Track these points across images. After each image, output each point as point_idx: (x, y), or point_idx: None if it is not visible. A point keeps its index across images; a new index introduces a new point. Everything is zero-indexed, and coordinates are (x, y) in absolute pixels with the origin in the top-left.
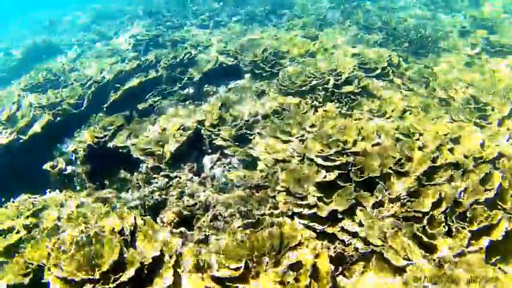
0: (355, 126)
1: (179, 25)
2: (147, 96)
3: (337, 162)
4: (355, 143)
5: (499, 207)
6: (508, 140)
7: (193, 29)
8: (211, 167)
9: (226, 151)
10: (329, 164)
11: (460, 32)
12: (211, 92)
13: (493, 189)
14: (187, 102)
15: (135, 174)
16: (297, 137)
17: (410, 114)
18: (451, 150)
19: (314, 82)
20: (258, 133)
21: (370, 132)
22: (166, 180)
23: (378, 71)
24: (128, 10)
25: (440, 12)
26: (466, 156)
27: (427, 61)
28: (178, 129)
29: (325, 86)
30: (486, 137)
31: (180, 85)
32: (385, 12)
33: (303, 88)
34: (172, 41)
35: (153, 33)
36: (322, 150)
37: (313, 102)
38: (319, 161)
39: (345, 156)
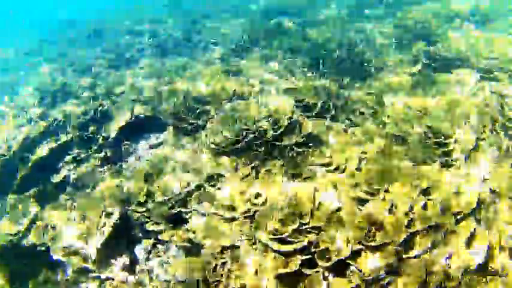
0: (308, 190)
1: (87, 67)
2: (60, 164)
3: (298, 245)
4: (312, 213)
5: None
6: (483, 183)
7: (102, 70)
8: (147, 258)
9: (161, 236)
10: (288, 248)
11: (394, 45)
12: (131, 151)
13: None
14: (105, 168)
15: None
16: (242, 212)
17: (367, 163)
18: (424, 206)
19: (250, 136)
20: (194, 210)
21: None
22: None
23: (317, 108)
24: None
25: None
26: (443, 211)
27: (367, 85)
28: (101, 215)
29: (264, 139)
30: (458, 182)
31: (95, 147)
32: (309, 30)
33: (238, 145)
34: (81, 88)
35: (60, 82)
36: (276, 230)
37: (252, 163)
38: (275, 245)
39: (303, 235)
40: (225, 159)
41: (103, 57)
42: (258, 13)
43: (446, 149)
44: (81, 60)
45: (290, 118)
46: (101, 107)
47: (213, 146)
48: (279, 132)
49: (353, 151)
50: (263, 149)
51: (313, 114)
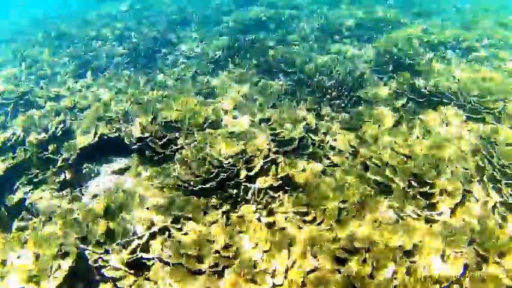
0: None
1: (53, 74)
2: (16, 185)
3: None
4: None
5: None
6: (469, 245)
7: (69, 80)
8: None
9: (120, 283)
10: None
11: (377, 72)
12: (92, 175)
13: None
14: (64, 192)
15: None
16: (209, 266)
17: (347, 214)
18: (408, 271)
19: (222, 175)
20: (158, 258)
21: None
22: None
23: (294, 144)
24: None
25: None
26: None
27: (348, 118)
28: (56, 255)
29: (237, 179)
30: (444, 242)
31: (53, 169)
32: (286, 49)
33: (209, 184)
34: (44, 98)
35: (22, 90)
36: None
37: (223, 206)
38: None
39: None
40: (193, 200)
41: (70, 63)
42: (232, 27)
43: (431, 201)
44: (47, 66)
45: (266, 157)
46: (62, 125)
47: (179, 181)
48: (253, 173)
49: (333, 198)
50: (235, 191)
51: (290, 149)
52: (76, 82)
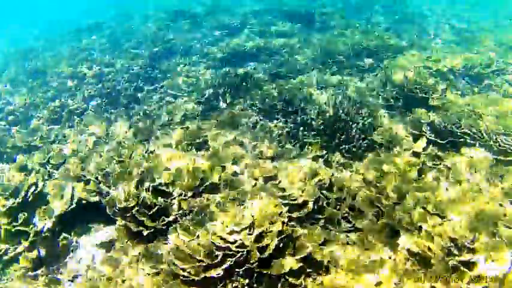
0: None
1: (24, 118)
2: None
3: None
4: None
5: None
6: None
7: (41, 124)
8: None
9: None
10: None
11: (386, 107)
12: (71, 248)
13: None
14: (38, 272)
15: None
16: None
17: None
18: None
19: (230, 261)
20: None
21: None
22: None
23: (308, 207)
24: None
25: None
26: None
27: (364, 166)
28: None
29: (248, 265)
30: None
31: (26, 243)
32: (283, 85)
33: (214, 272)
34: (14, 149)
35: None
36: None
37: None
38: None
39: None
40: None
41: (44, 106)
42: (220, 58)
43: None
44: (18, 110)
45: (280, 233)
46: (34, 188)
47: (173, 268)
48: (267, 254)
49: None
50: (247, 281)
51: (304, 214)
52: (51, 130)
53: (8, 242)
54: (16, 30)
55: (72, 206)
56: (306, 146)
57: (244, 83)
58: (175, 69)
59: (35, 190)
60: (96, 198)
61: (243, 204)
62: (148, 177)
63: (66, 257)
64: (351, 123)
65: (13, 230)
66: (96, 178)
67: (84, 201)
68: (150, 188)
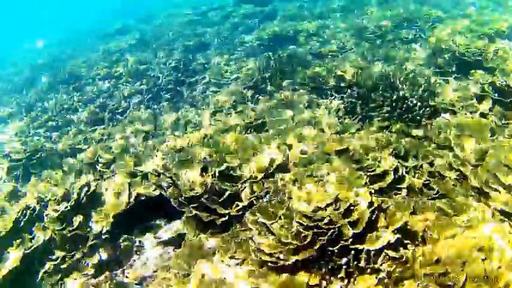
0: None
1: (65, 123)
2: (39, 276)
3: None
4: None
5: None
6: None
7: (84, 129)
8: None
9: None
10: None
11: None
12: (134, 249)
13: None
14: (102, 278)
15: None
16: None
17: None
18: None
19: (322, 240)
20: None
21: None
22: None
23: (389, 178)
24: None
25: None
26: None
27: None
28: None
29: (342, 242)
30: None
31: (84, 250)
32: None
33: (306, 253)
34: (57, 154)
35: (33, 145)
36: None
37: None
38: None
39: None
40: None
41: (83, 109)
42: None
43: None
44: (56, 115)
45: (370, 204)
46: (86, 188)
47: (261, 256)
48: (360, 229)
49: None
50: (344, 260)
51: (385, 185)
52: (94, 130)
53: (65, 249)
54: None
55: (130, 204)
56: (367, 120)
57: (289, 65)
58: (214, 59)
59: (87, 191)
60: (157, 192)
61: (321, 180)
62: (212, 164)
63: (130, 259)
64: (410, 91)
65: (69, 235)
66: (155, 171)
67: (142, 198)
68: (217, 174)
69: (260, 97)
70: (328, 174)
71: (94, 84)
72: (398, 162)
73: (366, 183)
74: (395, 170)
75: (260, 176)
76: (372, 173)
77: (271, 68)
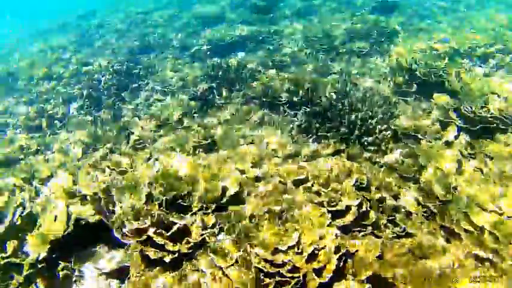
0: None
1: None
2: None
3: None
4: None
5: None
6: None
7: (20, 136)
8: None
9: None
10: None
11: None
12: (74, 279)
13: None
14: None
15: None
16: None
17: None
18: None
19: None
20: None
21: None
22: None
23: (352, 213)
24: None
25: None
26: None
27: (393, 163)
28: None
29: None
30: None
31: (20, 278)
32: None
33: None
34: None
35: None
36: None
37: None
38: None
39: None
40: None
41: (20, 114)
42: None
43: None
44: None
45: (337, 249)
46: (21, 208)
47: None
48: (327, 278)
49: None
50: None
51: (349, 223)
52: (31, 138)
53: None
54: None
55: (69, 228)
56: (322, 140)
57: (239, 74)
58: (159, 63)
59: (22, 212)
60: (97, 218)
61: (281, 218)
62: (158, 190)
63: None
64: (370, 112)
65: (2, 262)
66: (95, 194)
67: (82, 222)
68: (164, 203)
69: (209, 110)
70: (288, 209)
71: (32, 86)
72: (362, 195)
73: (330, 222)
74: (360, 205)
75: (213, 206)
76: (334, 208)
77: (219, 77)
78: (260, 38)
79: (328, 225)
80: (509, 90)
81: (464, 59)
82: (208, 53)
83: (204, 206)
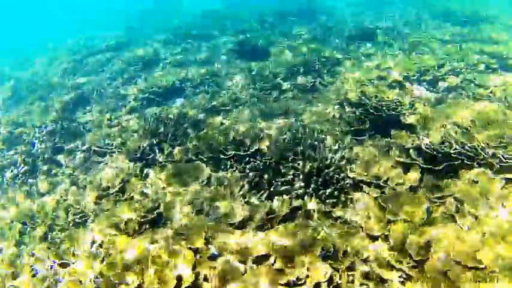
0: None
1: None
2: None
3: None
4: None
5: None
6: None
7: None
8: None
9: None
10: None
11: (353, 133)
12: None
13: None
14: None
15: None
16: None
17: None
18: None
19: None
20: None
21: None
22: None
23: None
24: None
25: None
26: None
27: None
28: None
29: None
30: None
31: None
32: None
33: None
34: None
35: None
36: None
37: None
38: None
39: None
40: None
41: None
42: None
43: None
44: None
45: None
46: None
47: None
48: None
49: None
50: None
51: None
52: None
53: None
54: None
55: None
56: (276, 197)
57: (180, 126)
58: (94, 118)
59: None
60: None
61: None
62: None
63: None
64: (325, 160)
65: None
66: None
67: None
68: None
69: (150, 171)
70: None
71: None
72: (330, 264)
73: None
74: (330, 280)
75: None
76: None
77: (159, 132)
78: (198, 80)
79: None
80: (467, 117)
81: (414, 84)
82: (145, 102)
83: None
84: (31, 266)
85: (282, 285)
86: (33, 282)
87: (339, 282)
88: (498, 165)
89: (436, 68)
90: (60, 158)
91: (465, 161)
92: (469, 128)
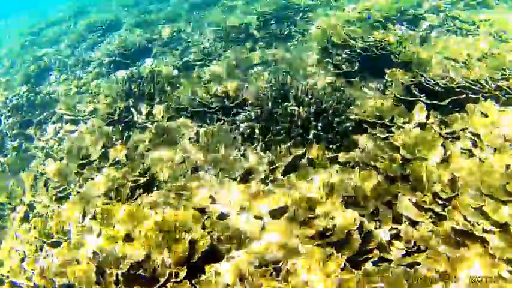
0: None
1: None
2: None
3: None
4: None
5: None
6: None
7: None
8: None
9: None
10: None
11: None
12: None
13: None
14: None
15: None
16: None
17: None
18: None
19: None
20: None
21: None
22: None
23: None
24: None
25: None
26: None
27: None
28: None
29: None
30: None
31: None
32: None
33: None
34: None
35: None
36: None
37: None
38: None
39: None
40: None
41: None
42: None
43: None
44: None
45: None
46: None
47: None
48: None
49: None
50: None
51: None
52: None
53: None
54: None
55: None
56: (272, 147)
57: (155, 85)
58: (61, 87)
59: None
60: None
61: (276, 270)
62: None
63: None
64: (322, 104)
65: None
66: None
67: None
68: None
69: (131, 133)
70: (282, 261)
71: None
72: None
73: (344, 264)
74: (360, 226)
75: (182, 272)
76: (329, 240)
77: (133, 92)
78: (166, 39)
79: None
80: (462, 53)
81: (396, 25)
82: (112, 66)
83: (174, 271)
84: (16, 249)
85: (310, 238)
86: (24, 268)
87: (371, 229)
88: (504, 97)
89: (415, 6)
90: (30, 131)
91: (470, 95)
92: (466, 61)
